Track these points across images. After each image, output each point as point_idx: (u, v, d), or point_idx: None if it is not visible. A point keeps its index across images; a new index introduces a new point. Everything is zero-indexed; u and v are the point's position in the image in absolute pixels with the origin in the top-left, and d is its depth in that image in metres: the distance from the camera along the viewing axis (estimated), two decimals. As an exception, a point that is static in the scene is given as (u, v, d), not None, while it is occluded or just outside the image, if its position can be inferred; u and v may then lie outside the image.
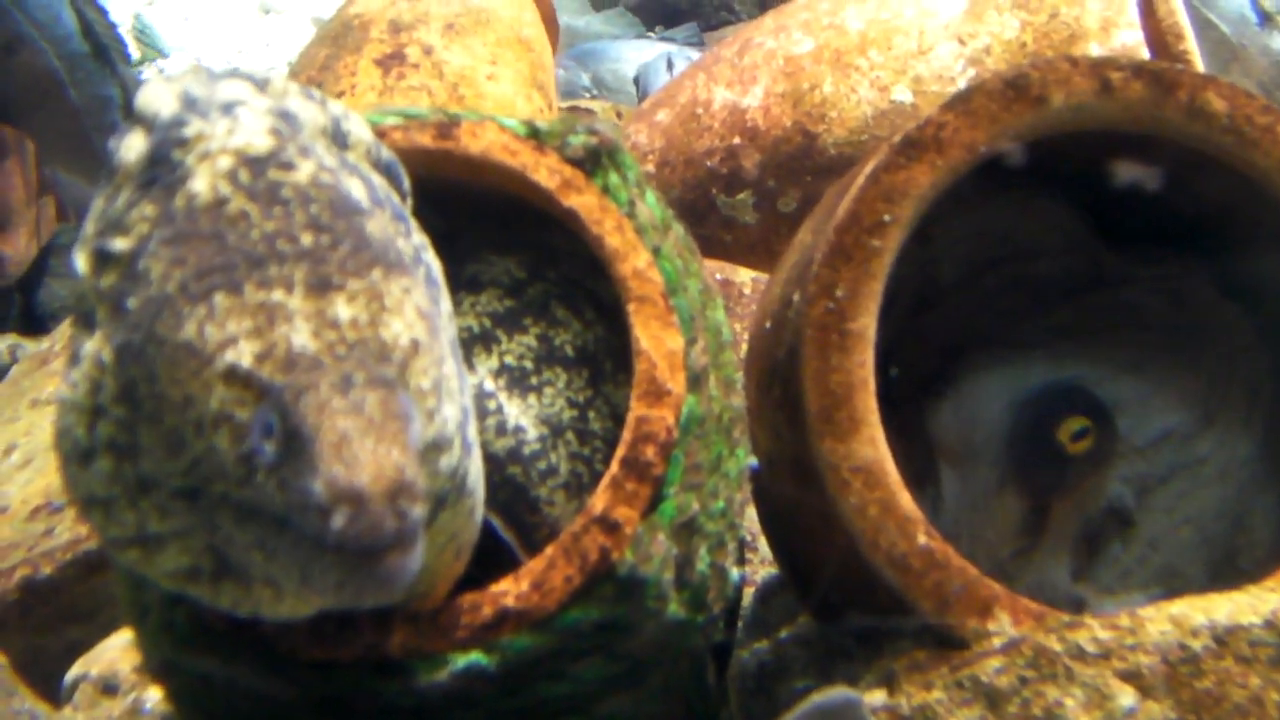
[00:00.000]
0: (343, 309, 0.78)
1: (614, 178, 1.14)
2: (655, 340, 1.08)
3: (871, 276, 1.10)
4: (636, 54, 4.38)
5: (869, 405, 1.08)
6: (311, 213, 0.82)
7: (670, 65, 3.63)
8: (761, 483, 1.26)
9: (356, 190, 0.90)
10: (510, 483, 1.12)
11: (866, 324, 1.09)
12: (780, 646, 1.37)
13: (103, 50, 3.01)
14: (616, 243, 1.11)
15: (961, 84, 2.10)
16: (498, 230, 1.22)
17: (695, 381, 1.08)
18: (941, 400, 1.33)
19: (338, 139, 0.95)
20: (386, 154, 1.01)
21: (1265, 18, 3.43)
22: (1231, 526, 1.30)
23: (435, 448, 0.82)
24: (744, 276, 2.03)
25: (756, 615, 1.58)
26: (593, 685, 1.05)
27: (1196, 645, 1.02)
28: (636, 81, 3.86)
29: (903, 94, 2.14)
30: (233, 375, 0.77)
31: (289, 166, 0.85)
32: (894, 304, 1.32)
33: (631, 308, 1.09)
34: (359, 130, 0.98)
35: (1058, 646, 1.02)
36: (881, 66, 2.16)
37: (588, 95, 4.33)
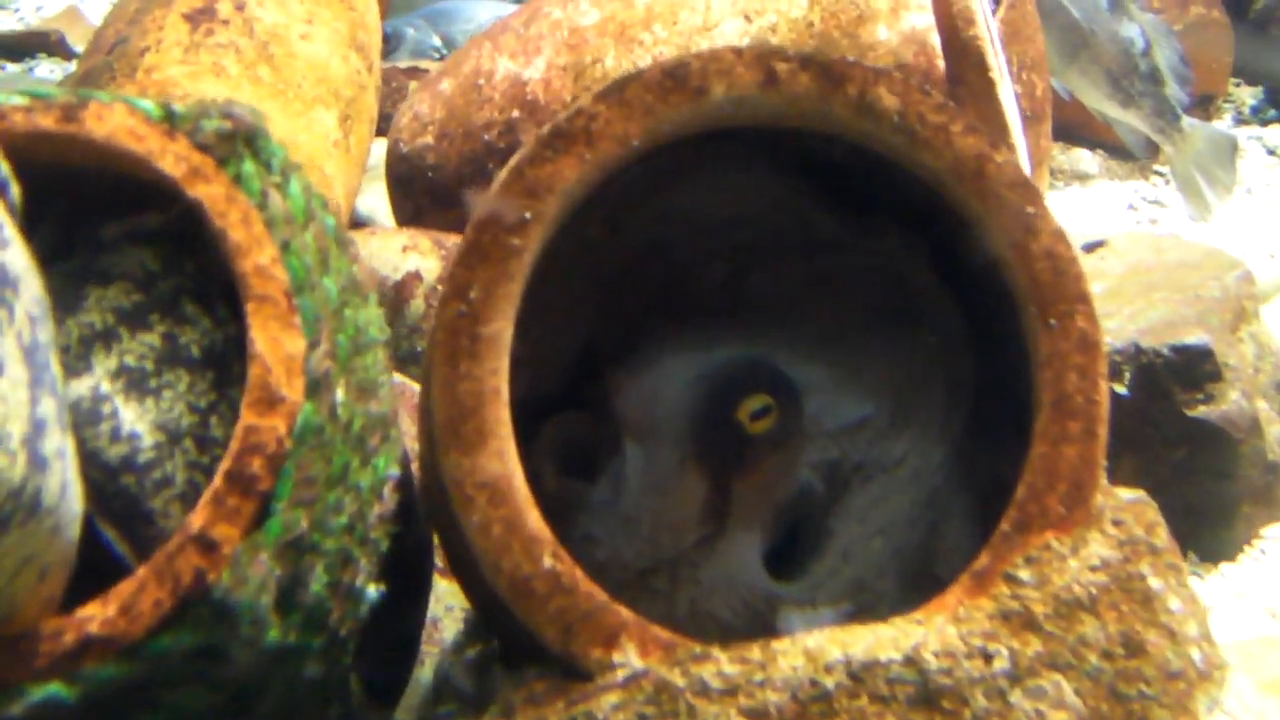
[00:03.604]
0: None
1: (248, 166, 1.06)
2: (273, 343, 1.01)
3: (509, 278, 1.02)
4: (489, 14, 4.26)
5: (499, 417, 1.01)
6: None
7: (500, 30, 3.51)
8: (425, 493, 1.19)
9: None
10: (124, 493, 1.04)
11: (501, 328, 1.02)
12: (463, 664, 1.31)
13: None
14: (240, 237, 1.03)
15: (745, 61, 2.02)
16: (138, 219, 1.13)
17: (315, 387, 1.01)
18: (625, 372, 1.25)
19: None
20: None
21: (1115, 3, 3.40)
22: (925, 535, 1.24)
23: None
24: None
25: (477, 622, 1.52)
26: (190, 715, 0.98)
27: (829, 682, 0.97)
28: (471, 45, 3.75)
29: (684, 70, 2.05)
30: None
31: None
32: (588, 293, 1.26)
33: (250, 307, 1.02)
34: None
35: (681, 681, 0.96)
36: (665, 42, 2.08)
37: (436, 55, 4.21)
